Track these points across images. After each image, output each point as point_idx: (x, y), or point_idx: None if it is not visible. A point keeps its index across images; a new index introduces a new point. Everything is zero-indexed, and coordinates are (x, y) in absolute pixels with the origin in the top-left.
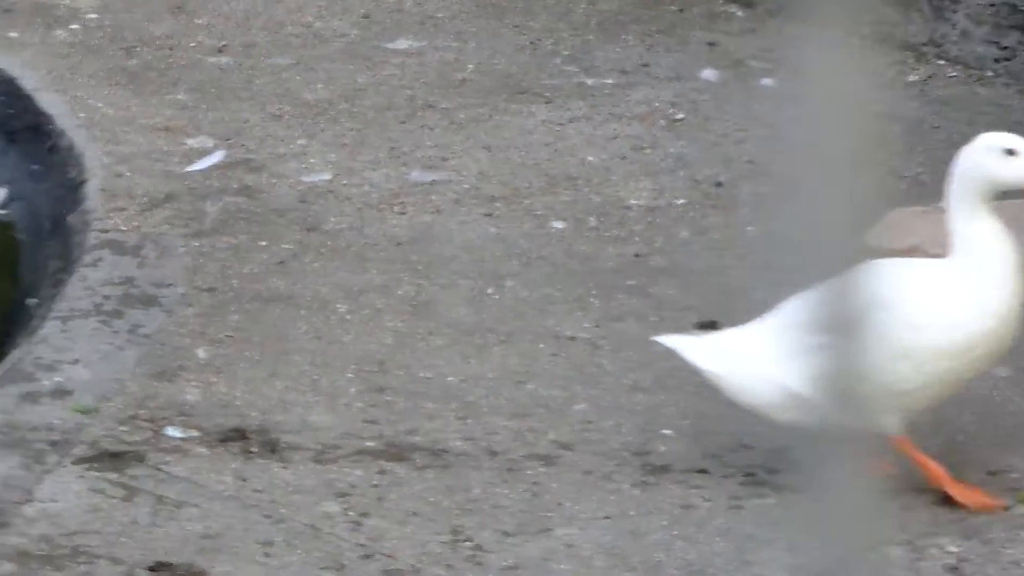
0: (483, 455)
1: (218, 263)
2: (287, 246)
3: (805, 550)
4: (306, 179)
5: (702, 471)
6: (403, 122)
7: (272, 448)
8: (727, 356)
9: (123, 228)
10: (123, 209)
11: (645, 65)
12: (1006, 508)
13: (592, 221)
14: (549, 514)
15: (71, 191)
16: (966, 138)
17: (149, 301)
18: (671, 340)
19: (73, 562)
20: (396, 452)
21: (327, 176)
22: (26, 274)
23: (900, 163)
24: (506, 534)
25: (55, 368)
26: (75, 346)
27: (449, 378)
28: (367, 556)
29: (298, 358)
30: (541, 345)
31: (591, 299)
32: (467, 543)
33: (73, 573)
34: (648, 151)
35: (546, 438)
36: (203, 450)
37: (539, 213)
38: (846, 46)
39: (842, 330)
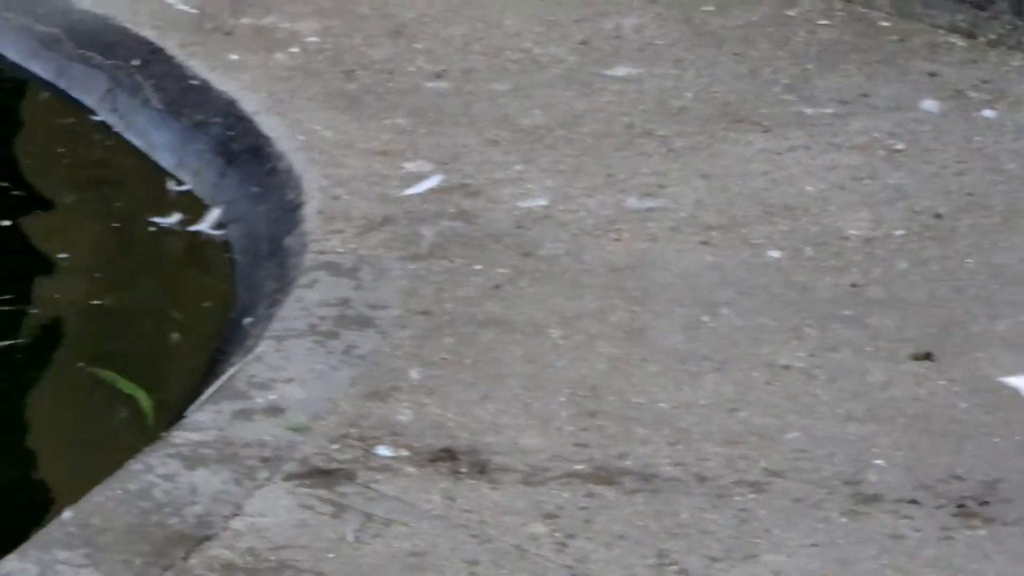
0: (693, 481)
1: (433, 286)
2: (502, 270)
3: None
4: (522, 204)
5: (913, 501)
6: (620, 149)
7: (481, 469)
8: None
9: (340, 250)
10: (340, 231)
11: (865, 95)
12: None
13: (809, 251)
14: (757, 540)
15: (289, 213)
16: None
17: (364, 322)
18: (1019, 381)
19: None
20: (605, 476)
21: (544, 202)
22: (243, 294)
23: None
24: (713, 559)
25: (269, 386)
26: (289, 365)
27: (661, 404)
28: None
29: (511, 381)
30: (755, 373)
31: (806, 328)
32: (673, 567)
33: None
34: (867, 181)
35: (757, 465)
36: (412, 470)
37: (756, 242)
38: None
39: None
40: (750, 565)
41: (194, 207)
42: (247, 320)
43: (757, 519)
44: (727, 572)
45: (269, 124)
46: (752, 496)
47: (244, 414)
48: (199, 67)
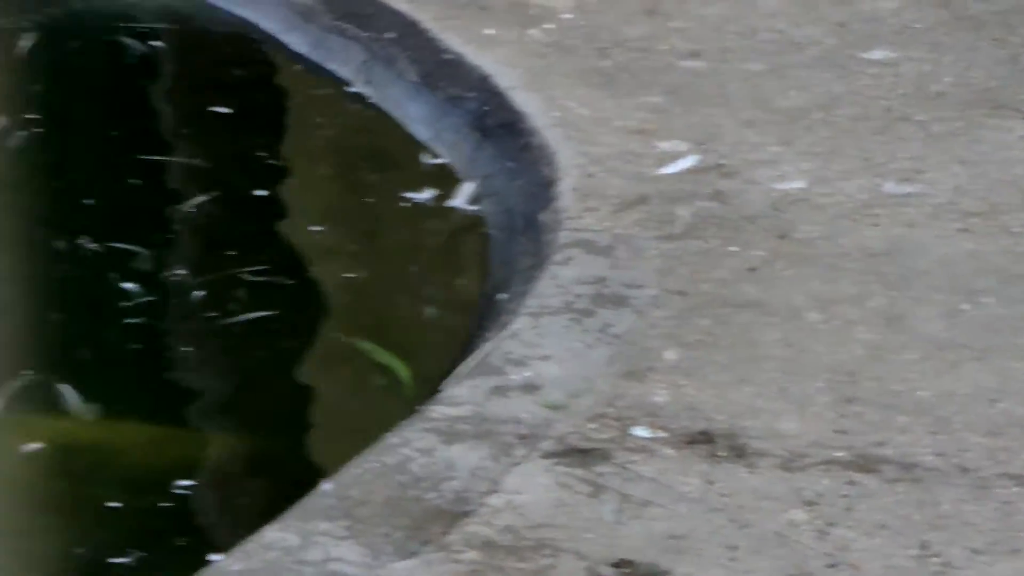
0: (954, 471)
1: (689, 266)
2: (758, 252)
3: None
4: (778, 186)
5: None
6: (877, 133)
7: (739, 453)
8: None
9: (595, 228)
10: (595, 209)
11: None
12: None
13: None
14: (1021, 534)
15: (543, 189)
16: None
17: (620, 301)
18: None
19: (537, 554)
20: (865, 464)
21: (800, 184)
22: (497, 270)
23: None
24: (976, 552)
25: (524, 363)
26: (545, 343)
27: (921, 392)
28: (832, 566)
29: (768, 365)
30: (1016, 364)
31: None
32: (935, 559)
33: (536, 565)
34: None
35: (1019, 458)
36: (670, 451)
37: (1017, 230)
38: None
39: None
40: (1015, 560)
41: (448, 180)
42: (502, 296)
43: (1021, 513)
44: (991, 566)
45: (524, 100)
46: (1016, 489)
47: (500, 390)
48: (454, 41)
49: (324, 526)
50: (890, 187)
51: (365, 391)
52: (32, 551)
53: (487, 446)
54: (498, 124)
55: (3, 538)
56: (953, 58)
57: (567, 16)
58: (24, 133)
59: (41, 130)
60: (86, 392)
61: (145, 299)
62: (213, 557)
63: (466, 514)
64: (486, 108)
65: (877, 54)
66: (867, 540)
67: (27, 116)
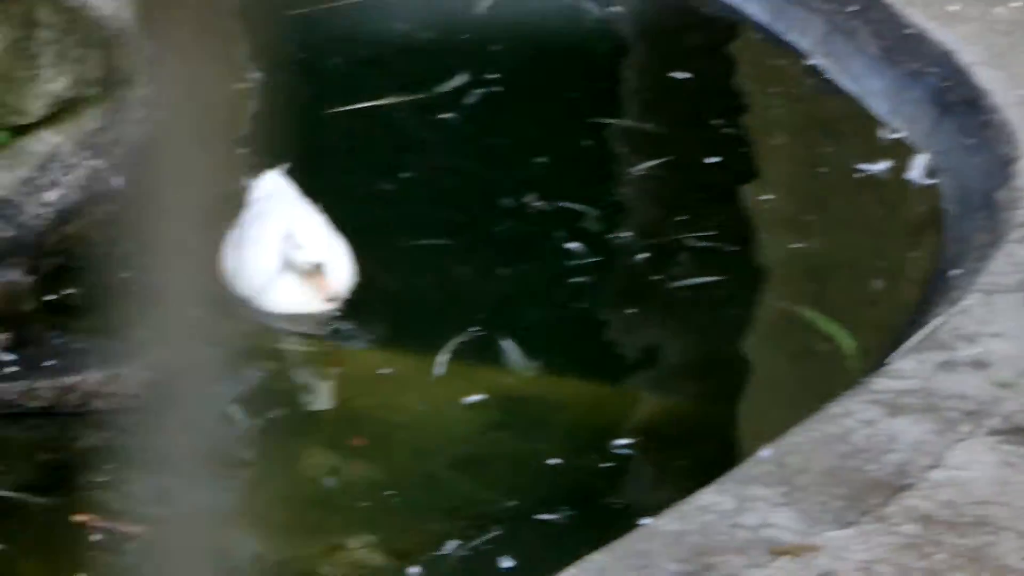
0: None
1: None
2: None
3: None
4: None
5: None
6: None
7: None
8: None
9: None
10: None
11: None
12: None
13: None
14: None
15: (1002, 167)
16: None
17: None
18: None
19: (976, 530)
20: None
21: None
22: (951, 245)
23: None
24: None
25: (974, 340)
26: (997, 320)
27: None
28: None
29: None
30: None
31: None
32: None
33: (976, 541)
34: None
35: None
36: None
37: None
38: None
39: None
40: None
41: (903, 154)
42: (954, 272)
43: None
44: None
45: (986, 77)
46: None
47: (948, 366)
48: (916, 16)
49: (761, 492)
50: None
51: (807, 360)
52: (461, 500)
53: (931, 420)
54: (959, 100)
55: (441, 484)
56: None
57: None
58: (482, 91)
59: (499, 88)
60: (528, 348)
61: (591, 259)
62: (644, 520)
63: (906, 487)
64: (947, 84)
65: None
66: None
67: (486, 74)
